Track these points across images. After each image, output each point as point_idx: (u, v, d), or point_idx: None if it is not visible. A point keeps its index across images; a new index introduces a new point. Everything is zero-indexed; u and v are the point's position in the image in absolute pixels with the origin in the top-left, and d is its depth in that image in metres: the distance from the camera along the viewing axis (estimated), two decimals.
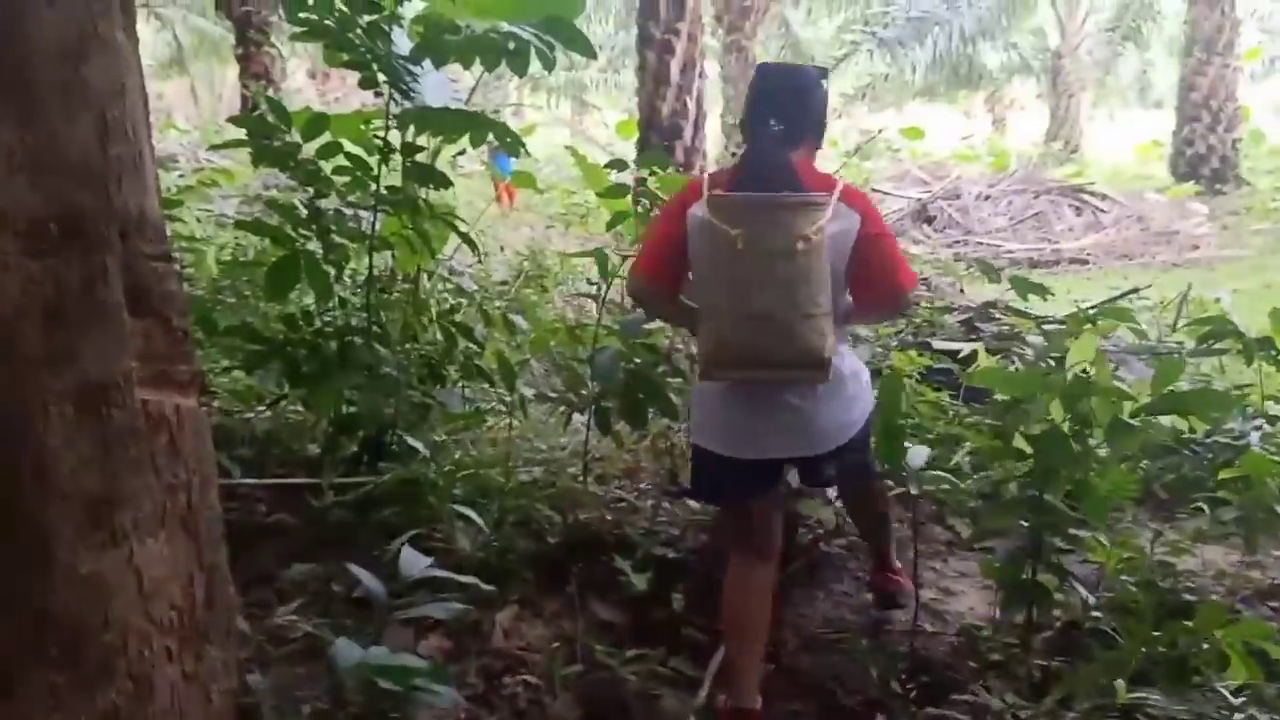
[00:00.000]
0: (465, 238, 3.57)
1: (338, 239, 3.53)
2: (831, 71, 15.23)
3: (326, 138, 3.48)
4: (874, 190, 16.63)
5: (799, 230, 2.05)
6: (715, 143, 20.93)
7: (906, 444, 2.31)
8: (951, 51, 16.03)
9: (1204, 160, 16.24)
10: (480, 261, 8.84)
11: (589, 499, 3.13)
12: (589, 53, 3.65)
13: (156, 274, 1.61)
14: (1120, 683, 1.83)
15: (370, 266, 3.53)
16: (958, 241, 12.80)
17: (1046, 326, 5.78)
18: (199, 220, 5.20)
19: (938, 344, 5.96)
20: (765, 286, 2.07)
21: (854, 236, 2.18)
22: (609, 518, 3.06)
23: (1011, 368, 4.00)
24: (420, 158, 5.44)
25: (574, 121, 31.94)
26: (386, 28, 3.36)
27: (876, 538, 2.71)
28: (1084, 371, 2.11)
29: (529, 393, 3.85)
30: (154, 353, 1.60)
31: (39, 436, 1.46)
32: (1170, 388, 1.98)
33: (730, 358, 2.13)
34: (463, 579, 2.14)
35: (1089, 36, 24.18)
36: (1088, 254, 12.33)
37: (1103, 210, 13.70)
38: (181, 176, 7.05)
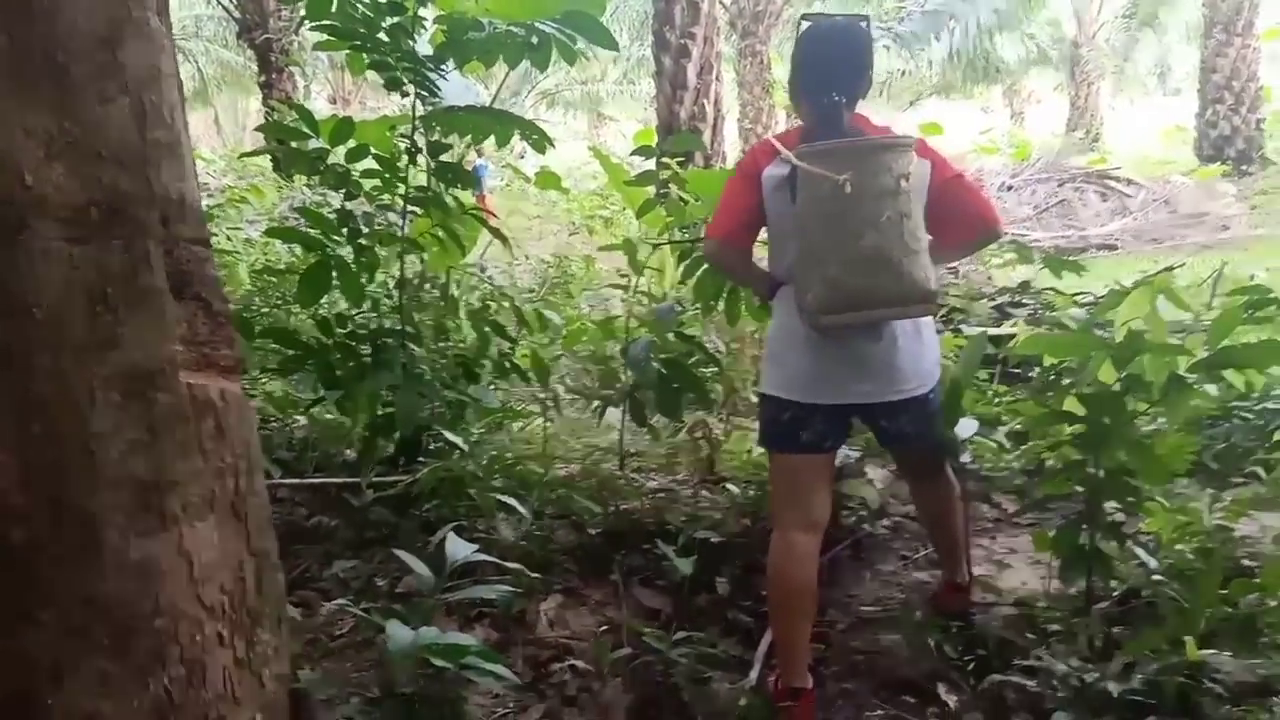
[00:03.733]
0: (497, 233, 3.56)
1: (367, 242, 3.54)
2: None
3: (354, 144, 3.51)
4: None
5: (900, 169, 2.12)
6: (733, 146, 20.91)
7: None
8: (968, 45, 15.90)
9: (1229, 142, 16.05)
10: (509, 266, 8.89)
11: (628, 490, 3.10)
12: (611, 45, 3.64)
13: (197, 258, 1.60)
14: (1189, 640, 1.77)
15: (401, 268, 3.53)
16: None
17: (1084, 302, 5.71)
18: (228, 238, 5.23)
19: (968, 330, 5.91)
20: (876, 227, 2.12)
21: (928, 180, 2.27)
22: (649, 506, 3.04)
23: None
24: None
25: (591, 134, 32.05)
26: (409, 29, 3.37)
27: (944, 537, 2.55)
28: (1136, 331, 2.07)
29: (562, 389, 3.84)
30: (197, 337, 1.60)
31: (86, 422, 1.46)
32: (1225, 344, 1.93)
33: (844, 301, 2.16)
34: (508, 565, 2.12)
35: (1106, 25, 23.99)
36: (1115, 239, 12.19)
37: (1129, 195, 13.54)
38: (210, 196, 7.12)
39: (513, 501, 2.45)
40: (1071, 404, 2.11)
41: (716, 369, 3.37)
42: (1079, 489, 2.16)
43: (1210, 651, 1.82)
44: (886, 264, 2.13)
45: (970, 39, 15.60)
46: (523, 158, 21.66)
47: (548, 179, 4.96)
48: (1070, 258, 12.33)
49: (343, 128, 3.45)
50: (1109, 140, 22.96)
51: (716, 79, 12.59)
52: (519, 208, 17.24)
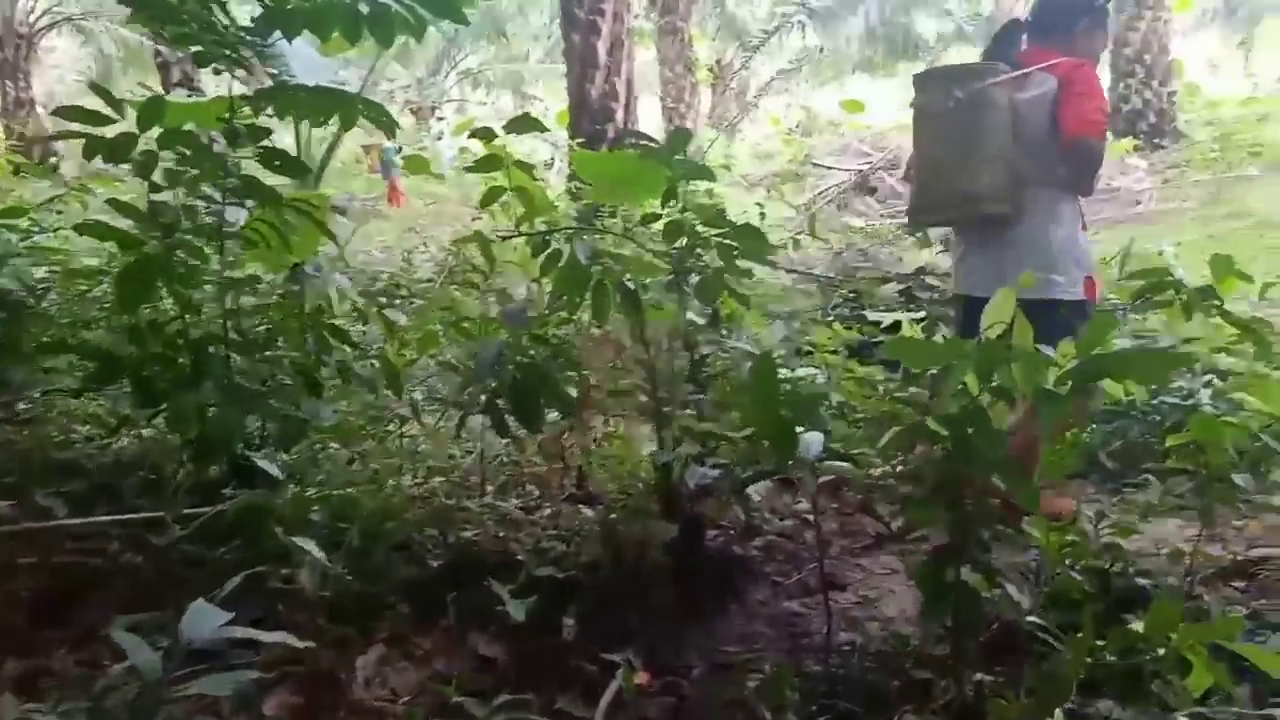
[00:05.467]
0: (324, 229, 3.19)
1: (190, 238, 3.15)
2: (763, 47, 14.88)
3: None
4: (814, 165, 16.41)
5: (961, 91, 2.93)
6: (655, 126, 20.60)
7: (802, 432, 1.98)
8: (886, 21, 15.76)
9: (1141, 115, 16.17)
10: (408, 255, 8.46)
11: (474, 514, 2.78)
12: (459, 18, 3.30)
13: None
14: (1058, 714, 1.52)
15: (223, 267, 3.15)
16: (900, 211, 12.56)
17: None
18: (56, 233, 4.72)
19: (872, 315, 5.70)
20: (938, 139, 3.12)
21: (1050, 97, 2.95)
22: (500, 534, 2.72)
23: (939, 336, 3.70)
24: (318, 149, 5.01)
25: (517, 114, 31.46)
26: None
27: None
28: (1002, 335, 1.80)
29: (420, 396, 3.50)
30: None
31: None
32: (1106, 347, 1.67)
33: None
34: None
35: (1021, 1, 24.11)
36: None
37: None
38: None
39: (310, 547, 2.10)
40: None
41: (575, 372, 3.06)
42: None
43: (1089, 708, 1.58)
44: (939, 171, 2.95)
45: (888, 15, 15.43)
46: (439, 139, 21.07)
47: (417, 163, 4.57)
48: None
49: (151, 109, 3.04)
50: None
51: (628, 57, 12.24)
52: (436, 190, 16.69)
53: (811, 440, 1.90)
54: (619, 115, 12.04)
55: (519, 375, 3.00)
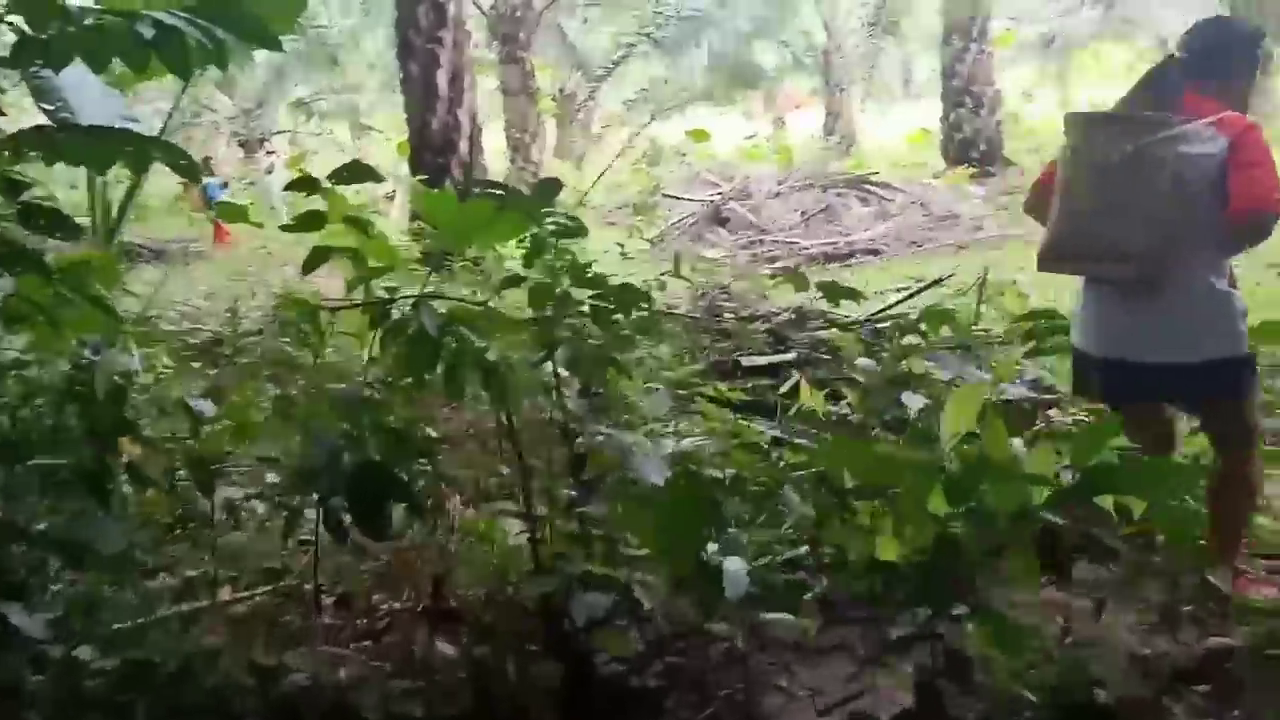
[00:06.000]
0: (101, 303, 2.60)
1: None
2: (609, 77, 14.67)
3: None
4: (664, 195, 16.28)
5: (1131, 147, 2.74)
6: (498, 157, 20.11)
7: (715, 558, 1.57)
8: (727, 52, 15.84)
9: (972, 144, 16.79)
10: (230, 309, 7.68)
11: (303, 655, 2.24)
12: (275, 45, 2.78)
13: None
14: None
15: None
16: (753, 241, 12.52)
17: (863, 331, 5.32)
18: None
19: (746, 360, 5.40)
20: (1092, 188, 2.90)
21: (1219, 158, 2.75)
22: (338, 676, 2.20)
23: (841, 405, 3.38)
24: (117, 192, 4.31)
25: (355, 146, 30.30)
26: None
27: (1223, 527, 2.74)
28: (967, 439, 1.44)
29: (238, 493, 2.93)
30: None
31: None
32: (1101, 458, 1.34)
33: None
34: None
35: (853, 33, 24.94)
36: (879, 244, 12.31)
37: (888, 199, 13.79)
38: None
39: None
40: (890, 547, 1.47)
41: (426, 463, 2.58)
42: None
43: None
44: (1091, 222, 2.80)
45: (729, 46, 15.50)
46: (269, 174, 19.92)
47: (232, 212, 3.98)
48: (837, 265, 12.28)
49: None
50: (863, 144, 23.85)
51: (470, 87, 11.74)
52: (266, 229, 15.65)
53: (736, 578, 1.49)
54: (462, 147, 11.52)
55: (358, 474, 2.50)
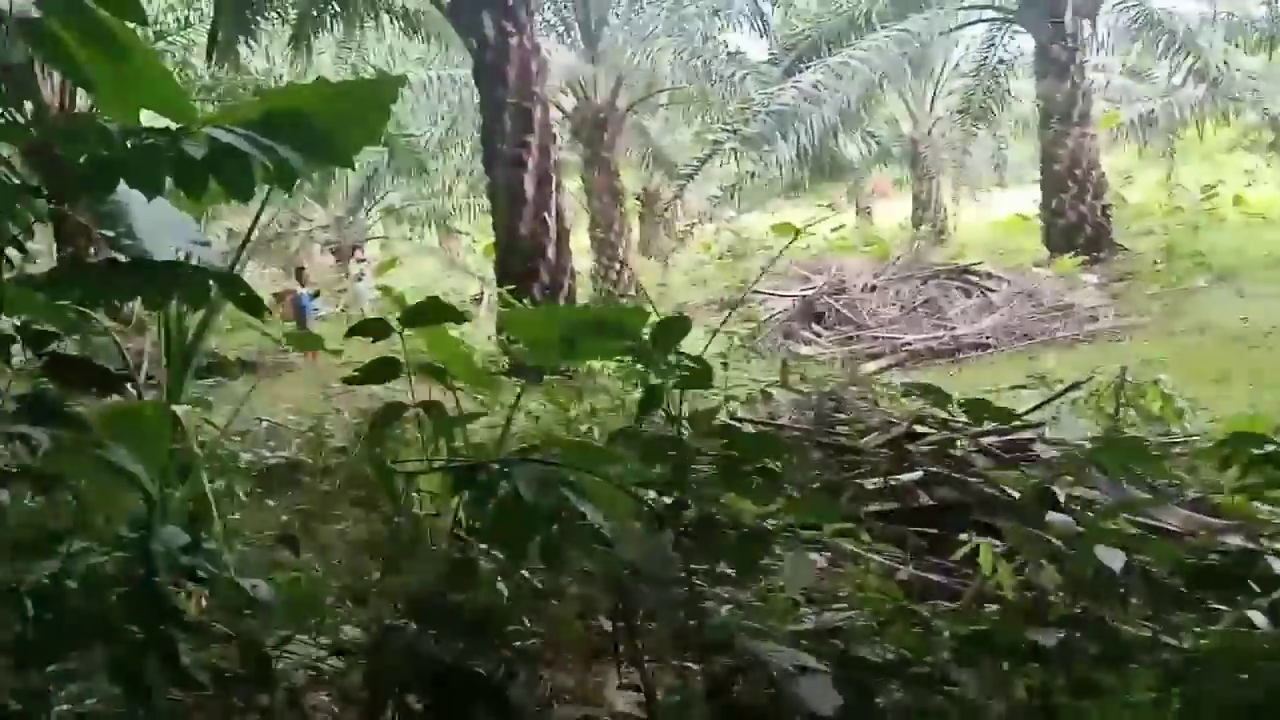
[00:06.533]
0: (136, 479, 2.21)
1: None
2: (696, 175, 14.50)
3: None
4: (755, 292, 15.88)
5: None
6: (583, 256, 20.06)
7: None
8: (813, 145, 15.56)
9: (1078, 230, 16.07)
10: (311, 430, 7.42)
11: None
12: (346, 163, 2.45)
13: None
14: None
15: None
16: (851, 337, 11.97)
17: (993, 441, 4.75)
18: None
19: (875, 504, 4.80)
20: None
21: None
22: None
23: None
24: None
25: (442, 249, 30.85)
26: None
27: None
28: None
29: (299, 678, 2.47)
30: None
31: None
32: None
33: None
34: None
35: (940, 120, 24.58)
36: (987, 337, 11.62)
37: (992, 290, 13.13)
38: None
39: None
40: None
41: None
42: None
43: None
44: None
45: (816, 138, 15.24)
46: (360, 280, 20.20)
47: (304, 340, 3.65)
48: (944, 361, 11.57)
49: None
50: (957, 232, 23.24)
51: (557, 190, 11.60)
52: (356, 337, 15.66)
53: None
54: (550, 251, 11.32)
55: (439, 675, 2.03)
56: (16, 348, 2.01)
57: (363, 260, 22.79)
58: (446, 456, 2.23)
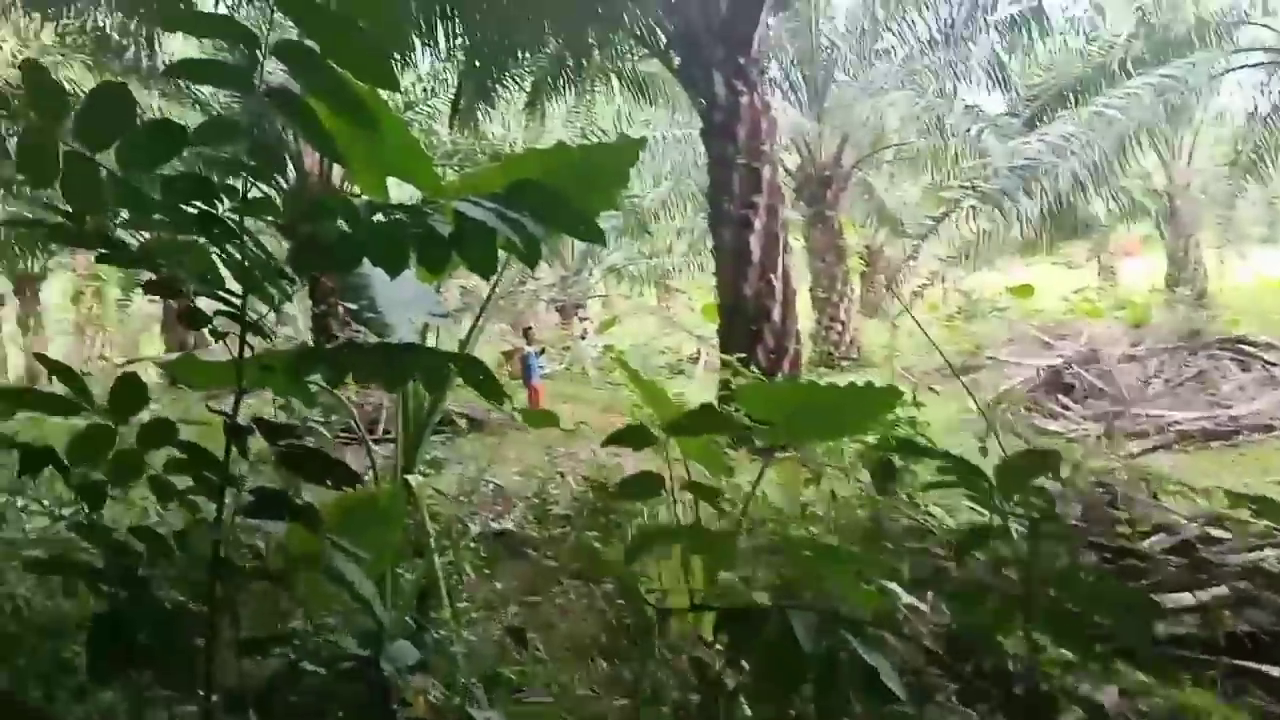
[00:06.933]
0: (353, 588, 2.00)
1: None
2: (932, 233, 13.76)
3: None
4: (992, 359, 14.86)
5: None
6: (803, 318, 19.59)
7: None
8: (1060, 201, 14.48)
9: None
10: (537, 499, 7.35)
11: None
12: (598, 238, 2.22)
13: None
14: None
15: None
16: (1108, 414, 10.82)
17: None
18: None
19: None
20: None
21: None
22: None
23: None
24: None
25: (661, 308, 31.20)
26: (238, 228, 1.94)
27: None
28: None
29: None
30: None
31: None
32: None
33: None
34: None
35: (1200, 173, 22.52)
36: (1272, 418, 10.19)
37: (1273, 364, 11.60)
38: None
39: None
40: None
41: None
42: None
43: None
44: None
45: (1063, 194, 14.17)
46: (583, 339, 20.58)
47: (536, 417, 3.46)
48: (1220, 444, 10.20)
49: (126, 395, 1.98)
50: (1220, 295, 21.05)
51: (784, 250, 11.26)
52: (579, 394, 15.89)
53: None
54: (775, 314, 10.96)
55: None
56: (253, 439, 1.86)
57: (586, 319, 23.29)
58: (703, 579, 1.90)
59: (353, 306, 2.71)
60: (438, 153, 16.45)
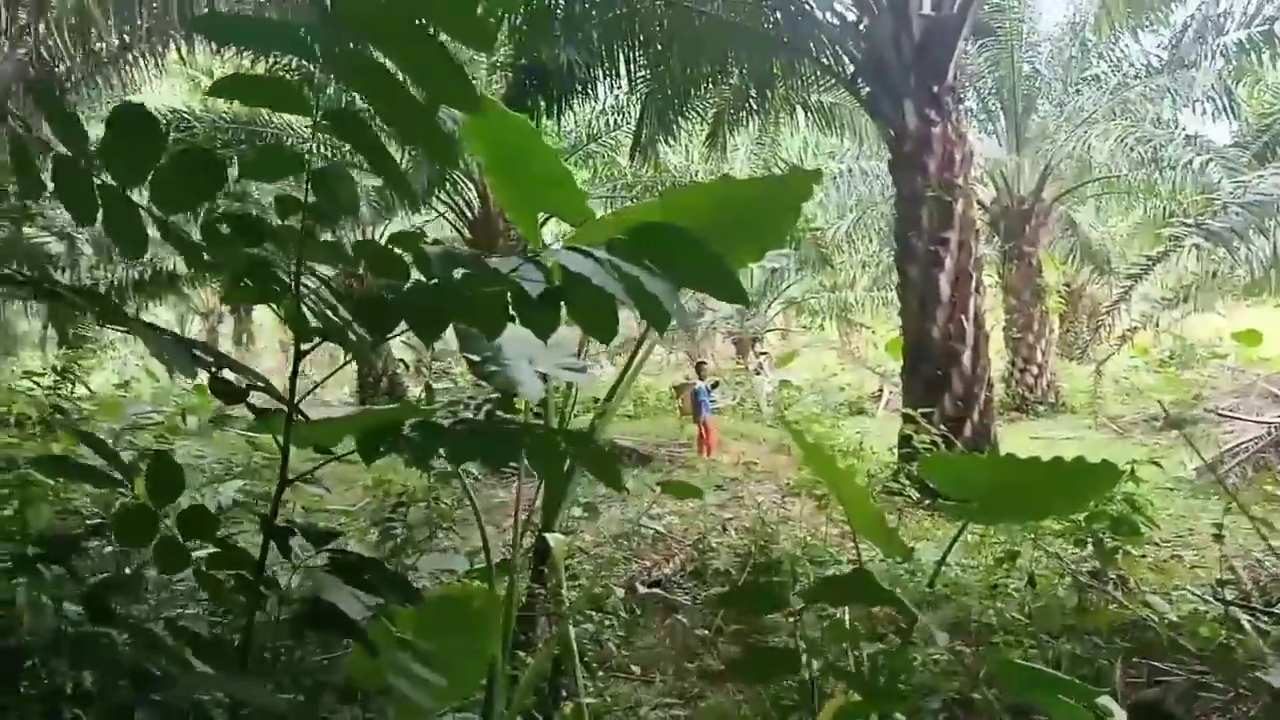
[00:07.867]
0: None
1: None
2: (1149, 272, 12.48)
3: None
4: (1210, 410, 13.36)
5: None
6: (996, 359, 18.37)
7: None
8: None
9: None
10: (696, 550, 6.94)
11: None
12: (738, 297, 1.80)
13: None
14: None
15: None
16: None
17: None
18: None
19: None
20: None
21: None
22: None
23: None
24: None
25: (842, 342, 30.24)
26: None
27: None
28: None
29: None
30: None
31: None
32: None
33: None
34: None
35: None
36: None
37: None
38: None
39: None
40: None
41: None
42: None
43: None
44: None
45: None
46: (759, 373, 20.06)
47: (678, 489, 3.05)
48: None
49: (162, 478, 1.70)
50: None
51: (977, 291, 10.43)
52: (751, 431, 15.38)
53: None
54: (965, 357, 10.15)
55: None
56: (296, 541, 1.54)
57: (763, 353, 22.74)
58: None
59: (474, 359, 2.39)
60: (617, 185, 16.42)
